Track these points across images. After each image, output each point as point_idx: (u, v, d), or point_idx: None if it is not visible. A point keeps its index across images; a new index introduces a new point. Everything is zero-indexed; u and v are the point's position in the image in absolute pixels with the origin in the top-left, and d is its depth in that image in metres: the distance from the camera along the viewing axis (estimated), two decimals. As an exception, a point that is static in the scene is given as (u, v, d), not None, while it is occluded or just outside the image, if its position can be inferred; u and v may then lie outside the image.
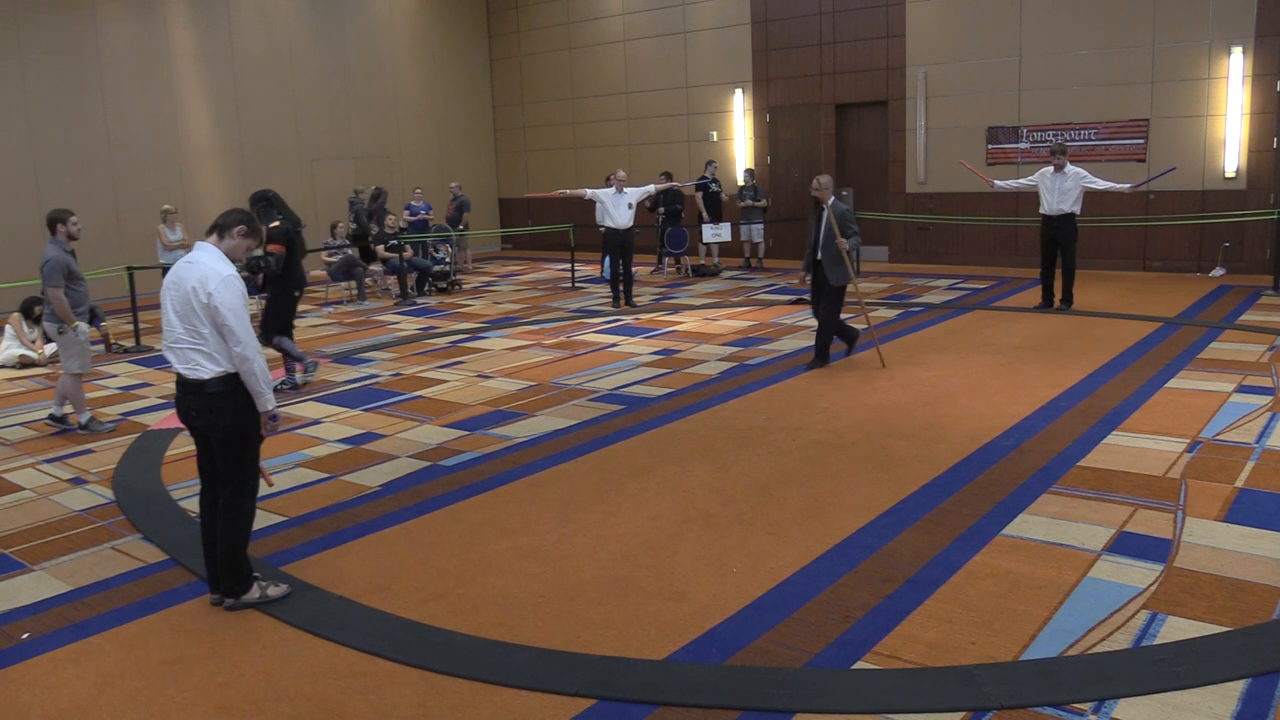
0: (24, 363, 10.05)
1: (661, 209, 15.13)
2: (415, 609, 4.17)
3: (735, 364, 8.77)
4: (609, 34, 18.52)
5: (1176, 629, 3.70)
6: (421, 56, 19.29)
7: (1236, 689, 3.29)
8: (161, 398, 8.33)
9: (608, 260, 13.23)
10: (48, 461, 6.62)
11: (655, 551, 4.66)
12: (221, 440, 4.16)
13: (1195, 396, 6.96)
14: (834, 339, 8.52)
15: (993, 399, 7.16)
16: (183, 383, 4.16)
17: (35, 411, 8.04)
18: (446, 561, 4.66)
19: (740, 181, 16.29)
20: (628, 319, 11.47)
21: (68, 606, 4.33)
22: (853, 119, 16.08)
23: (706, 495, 5.40)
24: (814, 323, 8.64)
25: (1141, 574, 4.18)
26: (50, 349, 9.93)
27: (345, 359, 9.74)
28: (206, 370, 4.08)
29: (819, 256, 8.24)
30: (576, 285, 14.68)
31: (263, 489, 4.42)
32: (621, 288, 12.43)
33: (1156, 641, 3.62)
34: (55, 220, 7.24)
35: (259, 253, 7.52)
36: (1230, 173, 12.77)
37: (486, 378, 8.64)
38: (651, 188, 13.16)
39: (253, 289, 10.05)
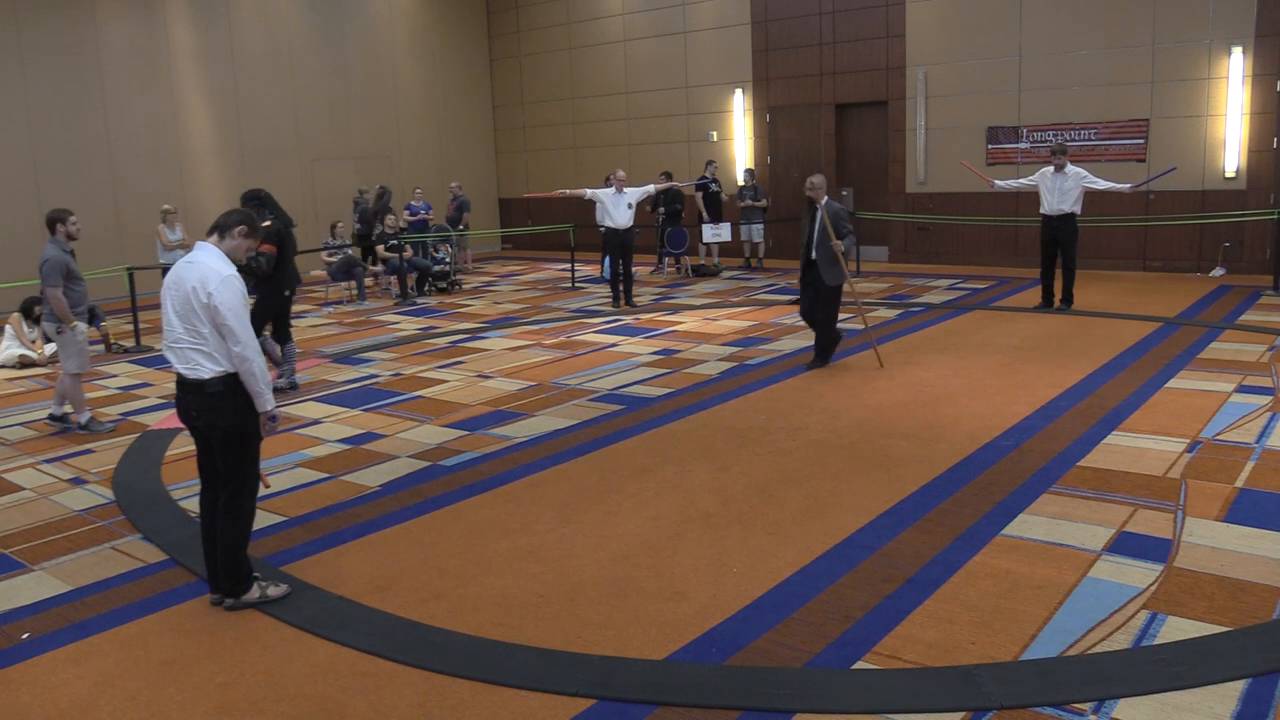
0: (24, 363, 10.05)
1: (661, 209, 15.13)
2: (415, 609, 4.17)
3: (735, 364, 8.77)
4: (609, 34, 18.52)
5: (1176, 629, 3.70)
6: (421, 56, 19.29)
7: (1236, 689, 3.29)
8: (161, 398, 8.33)
9: (608, 260, 13.23)
10: (48, 461, 6.62)
11: (655, 551, 4.66)
12: (221, 440, 4.17)
13: (1195, 396, 6.96)
14: (831, 340, 8.52)
15: (993, 399, 7.16)
16: (183, 382, 4.16)
17: (35, 411, 8.04)
18: (446, 561, 4.66)
19: (740, 181, 16.29)
20: (628, 319, 11.47)
21: (68, 606, 4.33)
22: (853, 119, 16.08)
23: (706, 495, 5.40)
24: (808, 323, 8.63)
25: (1141, 574, 4.18)
26: (50, 349, 9.93)
27: (345, 359, 9.75)
28: (206, 370, 4.08)
29: (813, 256, 8.23)
30: (576, 285, 14.68)
31: (261, 489, 4.42)
32: (621, 288, 12.43)
33: (1156, 641, 3.62)
34: (54, 220, 7.24)
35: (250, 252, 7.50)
36: (1230, 173, 12.77)
37: (486, 378, 8.65)
38: (651, 188, 13.15)
39: (248, 289, 10.04)
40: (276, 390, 7.67)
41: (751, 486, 5.51)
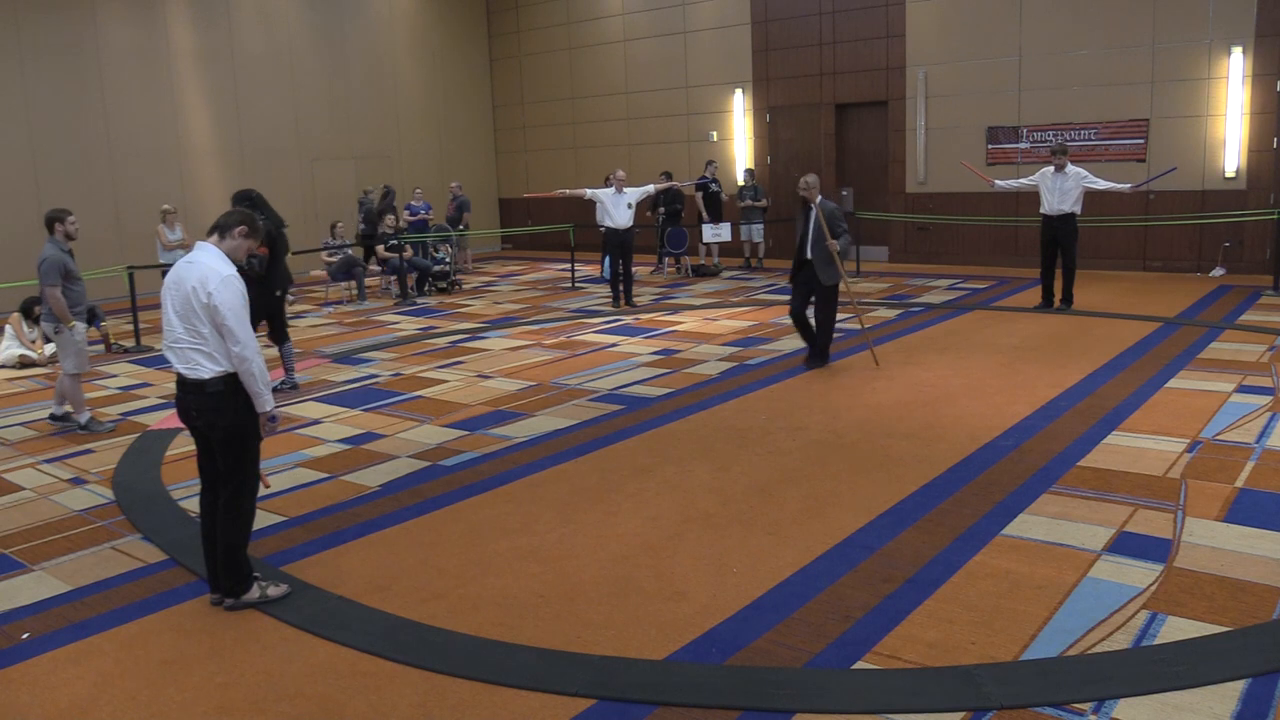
0: (24, 363, 10.05)
1: (661, 209, 15.13)
2: (415, 609, 4.17)
3: (735, 364, 8.77)
4: (609, 34, 18.52)
5: (1176, 629, 3.70)
6: (421, 56, 19.29)
7: (1236, 689, 3.29)
8: (161, 398, 8.33)
9: (608, 260, 13.23)
10: (48, 461, 6.62)
11: (655, 551, 4.66)
12: (221, 440, 4.17)
13: (1195, 396, 6.96)
14: (831, 340, 8.52)
15: (993, 399, 7.16)
16: (183, 382, 4.16)
17: (35, 411, 8.04)
18: (446, 561, 4.66)
19: (740, 181, 16.29)
20: (628, 319, 11.47)
21: (68, 606, 4.33)
22: (853, 119, 16.08)
23: (706, 495, 5.40)
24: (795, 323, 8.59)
25: (1141, 574, 4.18)
26: (50, 349, 9.93)
27: (345, 359, 9.75)
28: (206, 370, 4.08)
29: (808, 256, 8.23)
30: (576, 285, 14.68)
31: (261, 489, 4.42)
32: (621, 288, 12.43)
33: (1156, 641, 3.62)
34: (53, 220, 7.25)
35: None
36: (1230, 173, 12.77)
37: (486, 378, 8.64)
38: (651, 188, 13.15)
39: None
40: (276, 391, 7.68)
41: (751, 486, 5.51)
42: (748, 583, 4.27)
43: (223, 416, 4.11)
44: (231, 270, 4.13)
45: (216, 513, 4.25)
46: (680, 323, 11.07)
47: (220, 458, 4.21)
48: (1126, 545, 4.47)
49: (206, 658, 3.83)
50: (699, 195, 15.15)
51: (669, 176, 15.02)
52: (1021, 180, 11.19)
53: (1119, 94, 13.31)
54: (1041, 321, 10.18)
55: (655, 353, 9.42)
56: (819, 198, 8.22)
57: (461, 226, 16.55)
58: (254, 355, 4.08)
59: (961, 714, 3.22)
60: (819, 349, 8.48)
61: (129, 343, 10.86)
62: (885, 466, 5.76)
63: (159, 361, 9.84)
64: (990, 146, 14.43)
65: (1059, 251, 10.50)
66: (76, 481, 6.15)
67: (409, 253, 14.12)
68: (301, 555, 4.79)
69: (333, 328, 11.74)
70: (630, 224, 12.30)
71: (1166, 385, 7.31)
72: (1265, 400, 6.80)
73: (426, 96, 19.43)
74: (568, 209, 17.36)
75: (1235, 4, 12.42)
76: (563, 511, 5.24)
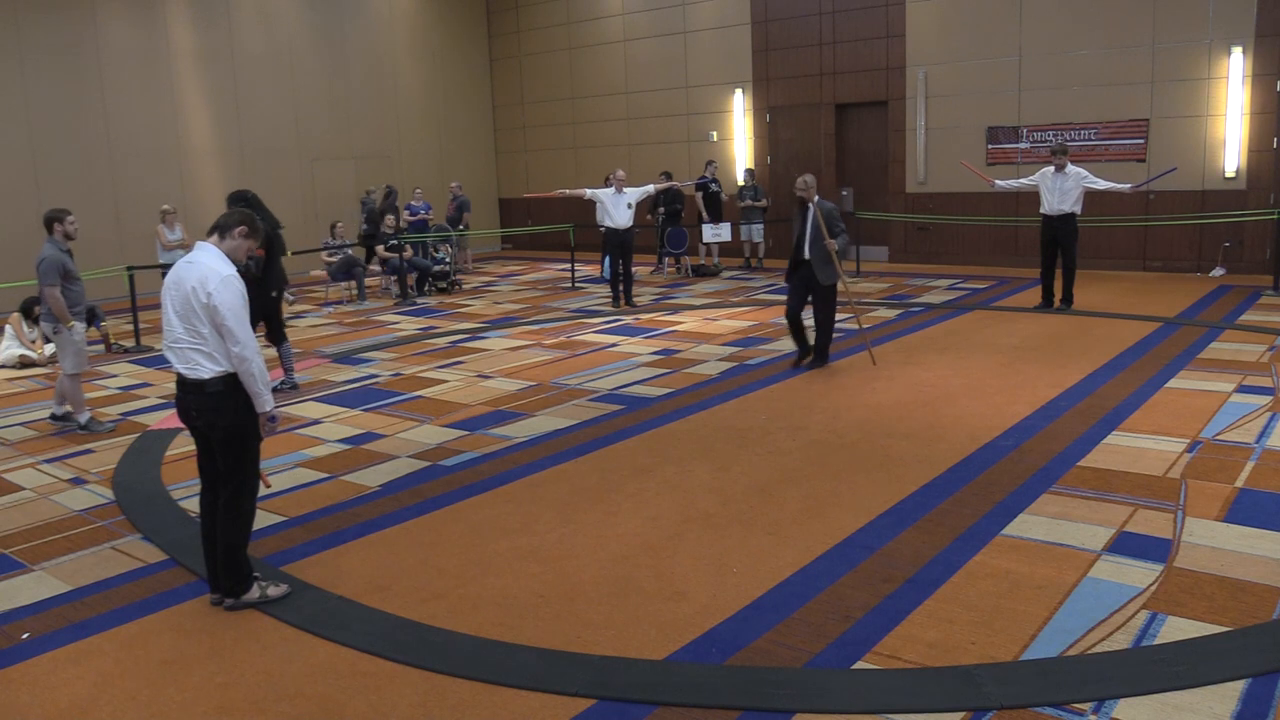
0: (24, 363, 10.05)
1: (661, 209, 15.13)
2: (415, 609, 4.17)
3: (735, 364, 8.77)
4: (609, 34, 18.52)
5: (1176, 629, 3.70)
6: (421, 56, 19.29)
7: (1236, 689, 3.29)
8: (161, 398, 8.33)
9: (607, 260, 13.23)
10: (48, 461, 6.62)
11: (655, 551, 4.66)
12: (221, 440, 4.17)
13: (1195, 396, 6.96)
14: (830, 340, 8.52)
15: (993, 399, 7.16)
16: (183, 383, 4.16)
17: (35, 411, 8.04)
18: (446, 561, 4.66)
19: (740, 181, 16.29)
20: (628, 319, 11.47)
21: (68, 606, 4.33)
22: (853, 119, 16.08)
23: (706, 495, 5.40)
24: (809, 323, 8.60)
25: (1141, 574, 4.18)
26: (50, 349, 9.93)
27: (345, 359, 9.75)
28: (206, 370, 4.08)
29: (806, 256, 8.22)
30: (576, 285, 14.68)
31: (261, 489, 4.42)
32: (621, 288, 12.43)
33: (1156, 641, 3.62)
34: (52, 219, 7.26)
35: None
36: (1230, 173, 12.77)
37: (486, 378, 8.65)
38: (651, 188, 13.16)
39: None
40: (276, 391, 7.68)
41: (751, 486, 5.51)
42: (748, 583, 4.27)
43: (223, 416, 4.12)
44: (231, 270, 4.13)
45: (216, 513, 4.25)
46: (680, 323, 11.07)
47: (220, 458, 4.21)
48: (1126, 545, 4.47)
49: (206, 658, 3.83)
50: (699, 195, 15.15)
51: (669, 176, 15.01)
52: (1021, 180, 11.18)
53: (1119, 94, 13.31)
54: (1041, 321, 10.18)
55: (655, 353, 9.42)
56: (815, 197, 8.22)
57: (461, 226, 16.55)
58: (253, 355, 4.08)
59: (961, 714, 3.23)
60: (819, 348, 8.48)
61: (129, 343, 10.86)
62: (885, 466, 5.76)
63: (159, 361, 9.84)
64: (990, 146, 14.43)
65: (1059, 251, 10.50)
66: (76, 481, 6.15)
67: (409, 253, 14.12)
68: (301, 555, 4.79)
69: (333, 328, 11.74)
70: (630, 224, 12.30)
71: (1166, 385, 7.31)
72: (1265, 400, 6.80)
73: (426, 96, 19.43)
74: (568, 209, 17.36)
75: (1235, 4, 12.42)
76: (563, 511, 5.24)
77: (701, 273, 15.42)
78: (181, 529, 5.18)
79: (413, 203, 16.07)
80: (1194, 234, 13.13)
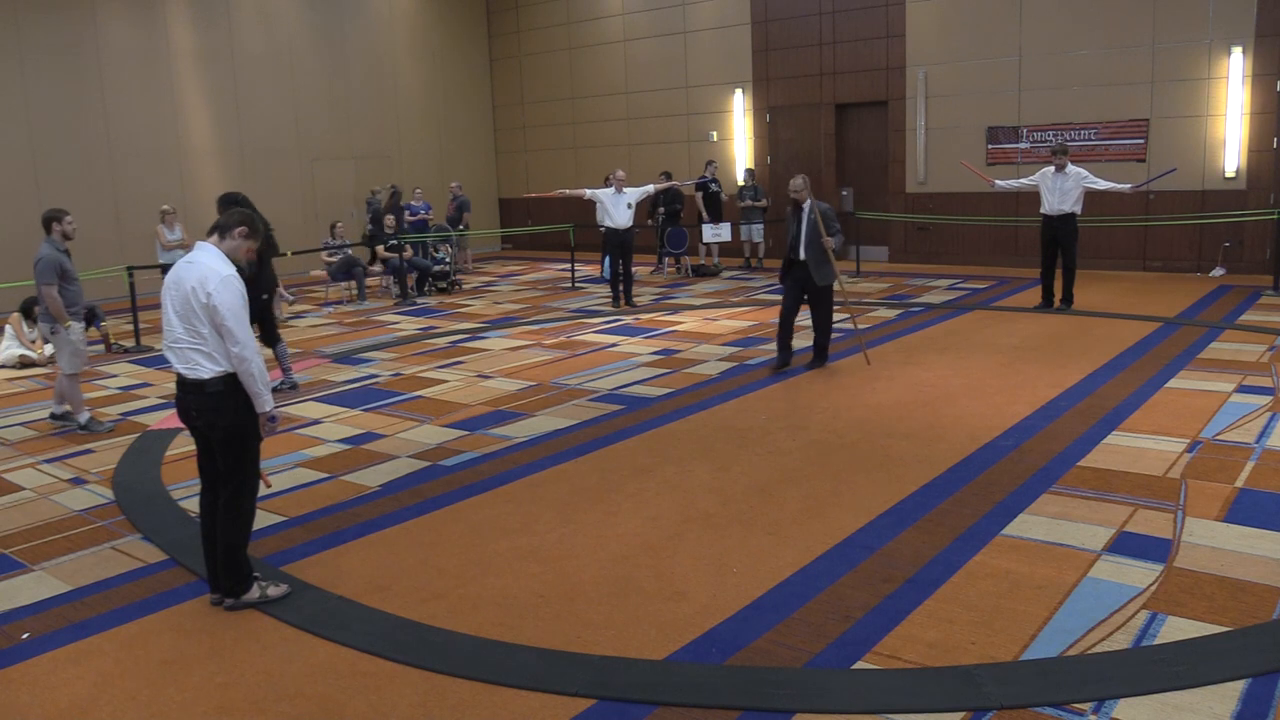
0: (24, 363, 10.05)
1: (661, 209, 15.13)
2: (415, 609, 4.17)
3: (735, 364, 8.77)
4: (609, 34, 18.52)
5: (1176, 629, 3.70)
6: (421, 56, 19.28)
7: (1236, 689, 3.29)
8: (161, 398, 8.33)
9: (607, 260, 13.23)
10: (48, 461, 6.62)
11: (655, 551, 4.66)
12: (221, 440, 4.17)
13: (1195, 396, 6.96)
14: (829, 340, 8.52)
15: (993, 399, 7.16)
16: (183, 383, 4.16)
17: (35, 411, 8.04)
18: (446, 561, 4.66)
19: (740, 181, 16.29)
20: (628, 319, 11.47)
21: (68, 606, 4.33)
22: (853, 119, 16.08)
23: (706, 495, 5.40)
24: (807, 323, 8.59)
25: (1141, 574, 4.18)
26: (50, 349, 9.93)
27: (345, 359, 9.75)
28: (206, 370, 4.08)
29: (801, 257, 8.21)
30: (576, 285, 14.68)
31: (262, 489, 4.42)
32: (621, 288, 12.43)
33: (1156, 641, 3.62)
34: (50, 219, 7.27)
35: None
36: (1230, 173, 12.77)
37: (486, 378, 8.65)
38: (650, 188, 13.16)
39: None
40: (276, 391, 7.68)
41: (751, 486, 5.51)
42: (748, 583, 4.27)
43: (222, 416, 4.12)
44: (231, 270, 4.13)
45: (216, 513, 4.25)
46: (680, 323, 11.07)
47: (220, 458, 4.21)
48: (1126, 545, 4.47)
49: (206, 658, 3.83)
50: (699, 195, 15.15)
51: (669, 176, 15.02)
52: (1022, 180, 11.18)
53: (1119, 94, 13.31)
54: (1041, 321, 10.18)
55: (655, 353, 9.42)
56: (809, 199, 8.22)
57: (461, 226, 16.55)
58: (253, 355, 4.08)
59: (961, 714, 3.22)
60: (818, 349, 8.48)
61: (129, 343, 10.86)
62: (885, 466, 5.76)
63: (159, 361, 9.83)
64: (990, 146, 14.43)
65: (1059, 251, 10.50)
66: (76, 481, 6.15)
67: (409, 253, 14.13)
68: (301, 555, 4.78)
69: (333, 328, 11.74)
70: (630, 224, 12.31)
71: (1166, 385, 7.31)
72: (1265, 400, 6.80)
73: (426, 96, 19.43)
74: (568, 209, 17.36)
75: (1235, 4, 12.42)
76: (563, 511, 5.24)
77: (701, 273, 15.42)
78: (181, 529, 5.18)
79: (413, 203, 16.07)
80: (1194, 234, 13.13)
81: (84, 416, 7.32)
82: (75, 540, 5.12)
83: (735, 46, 16.82)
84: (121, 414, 7.87)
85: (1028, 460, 5.73)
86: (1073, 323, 10.03)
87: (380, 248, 14.05)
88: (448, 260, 14.96)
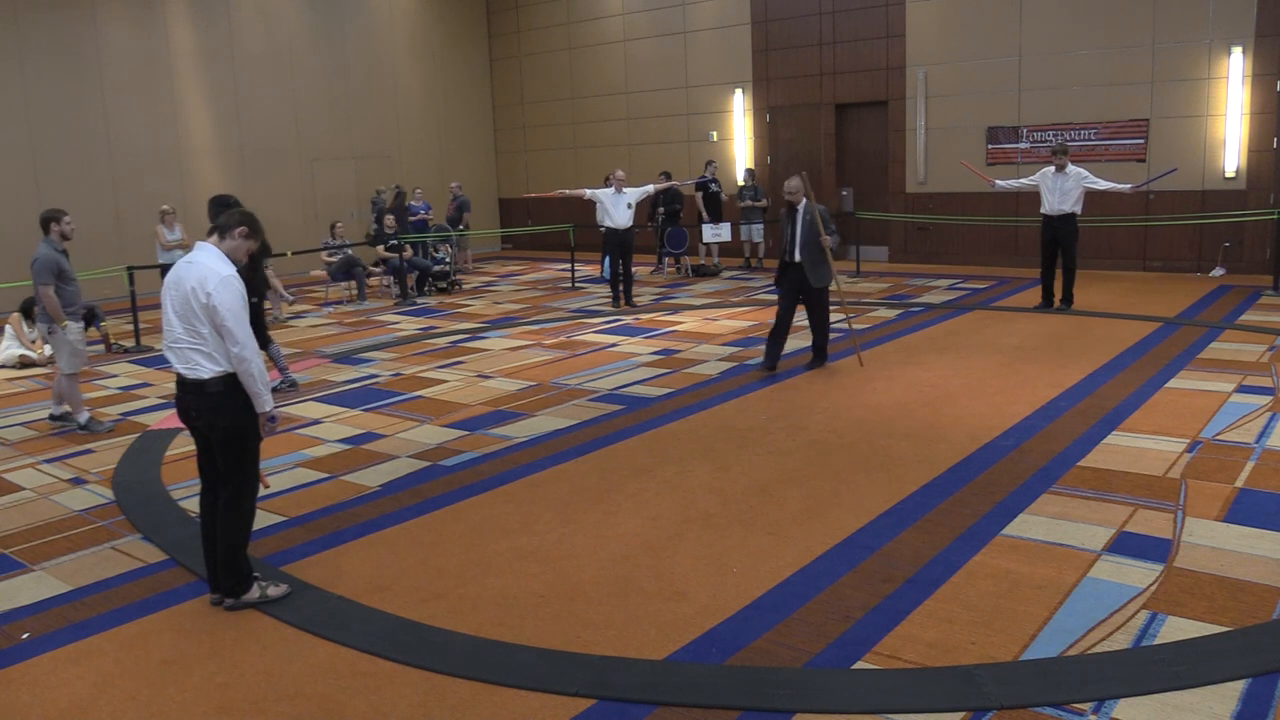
0: (24, 363, 10.05)
1: (661, 209, 15.14)
2: (415, 609, 4.17)
3: (735, 364, 8.77)
4: (609, 34, 18.52)
5: (1176, 629, 3.70)
6: (421, 56, 19.28)
7: (1236, 689, 3.29)
8: (161, 398, 8.33)
9: (607, 260, 13.23)
10: (48, 461, 6.62)
11: (655, 551, 4.66)
12: (221, 440, 4.17)
13: (1195, 396, 6.96)
14: (828, 340, 8.51)
15: (993, 399, 7.16)
16: (183, 383, 4.16)
17: (35, 411, 8.05)
18: (446, 561, 4.66)
19: (740, 181, 16.29)
20: (628, 319, 11.47)
21: (68, 606, 4.33)
22: (853, 119, 16.08)
23: (706, 495, 5.40)
24: (806, 324, 8.58)
25: (1141, 574, 4.18)
26: (49, 349, 9.92)
27: (345, 359, 9.75)
28: (206, 370, 4.08)
29: (797, 259, 8.19)
30: (576, 285, 14.68)
31: (261, 489, 4.42)
32: (621, 288, 12.43)
33: (1156, 641, 3.62)
34: (48, 220, 7.28)
35: None
36: (1230, 173, 12.77)
37: (486, 378, 8.65)
38: (650, 188, 13.16)
39: None
40: (276, 391, 7.68)
41: (751, 486, 5.51)
42: (748, 583, 4.27)
43: (222, 416, 4.12)
44: (231, 271, 4.13)
45: (216, 513, 4.25)
46: (680, 323, 11.07)
47: (220, 458, 4.21)
48: (1126, 545, 4.47)
49: (206, 658, 3.83)
50: (699, 195, 15.15)
51: (668, 176, 15.02)
52: (1022, 180, 11.18)
53: (1119, 94, 13.31)
54: (1041, 321, 10.18)
55: (655, 353, 9.42)
56: (804, 200, 8.21)
57: (461, 226, 16.55)
58: (253, 356, 4.08)
59: (961, 714, 3.22)
60: (817, 349, 8.48)
61: (129, 343, 10.86)
62: (885, 466, 5.76)
63: (159, 361, 9.84)
64: (990, 146, 14.43)
65: (1059, 251, 10.50)
66: (76, 481, 6.15)
67: (409, 253, 14.13)
68: (301, 555, 4.78)
69: (333, 328, 11.74)
70: (630, 224, 12.31)
71: (1166, 385, 7.31)
72: (1265, 400, 6.80)
73: (426, 96, 19.42)
74: (568, 209, 17.36)
75: (1235, 4, 12.42)
76: (563, 511, 5.24)
77: (701, 273, 15.42)
78: (181, 529, 5.18)
79: (413, 203, 16.07)
80: (1194, 234, 13.13)
81: (84, 416, 7.32)
82: (75, 540, 5.12)
83: (735, 46, 16.82)
84: (121, 414, 7.87)
85: (1028, 460, 5.73)
86: (1073, 323, 10.03)
87: (380, 248, 14.05)
88: (448, 260, 14.96)
